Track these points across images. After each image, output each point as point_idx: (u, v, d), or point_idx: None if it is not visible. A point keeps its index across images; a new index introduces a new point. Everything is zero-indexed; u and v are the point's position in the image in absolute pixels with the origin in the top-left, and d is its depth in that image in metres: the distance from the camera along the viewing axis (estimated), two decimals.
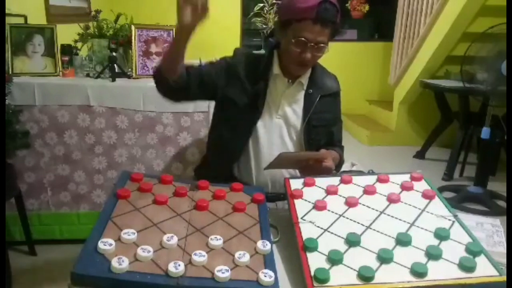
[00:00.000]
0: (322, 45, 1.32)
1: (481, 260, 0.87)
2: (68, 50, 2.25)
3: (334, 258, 0.87)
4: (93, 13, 2.40)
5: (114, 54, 2.19)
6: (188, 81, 1.34)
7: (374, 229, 0.98)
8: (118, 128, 2.18)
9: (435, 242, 0.93)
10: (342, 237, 0.95)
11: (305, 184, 1.15)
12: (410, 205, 1.07)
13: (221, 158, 1.49)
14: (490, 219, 1.16)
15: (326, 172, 1.28)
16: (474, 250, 0.89)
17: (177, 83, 1.31)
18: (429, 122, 4.14)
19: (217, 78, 1.42)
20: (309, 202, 1.08)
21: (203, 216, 1.01)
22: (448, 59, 3.92)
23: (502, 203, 3.00)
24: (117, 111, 2.16)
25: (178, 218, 0.99)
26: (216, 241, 0.90)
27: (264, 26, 2.87)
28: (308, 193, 1.11)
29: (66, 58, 2.23)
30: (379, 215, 1.03)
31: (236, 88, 1.42)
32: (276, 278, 0.83)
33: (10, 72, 2.13)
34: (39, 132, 2.15)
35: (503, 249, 1.02)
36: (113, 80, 2.17)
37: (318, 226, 0.99)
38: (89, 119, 2.16)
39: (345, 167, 1.74)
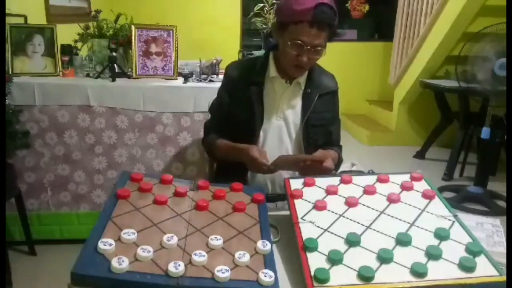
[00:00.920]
0: (319, 48, 1.31)
1: (481, 260, 0.87)
2: (68, 50, 2.25)
3: (334, 258, 0.87)
4: (93, 13, 2.40)
5: (114, 54, 2.19)
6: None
7: (374, 229, 0.98)
8: (118, 128, 2.18)
9: (435, 242, 0.93)
10: (342, 237, 0.95)
11: (305, 184, 1.15)
12: (410, 205, 1.07)
13: (233, 169, 1.49)
14: (490, 219, 1.16)
15: (326, 172, 1.28)
16: (474, 250, 0.89)
17: None
18: (429, 122, 4.14)
19: (227, 106, 1.48)
20: (309, 202, 1.08)
21: (203, 216, 1.01)
22: (448, 59, 3.92)
23: (502, 203, 3.00)
24: (117, 111, 2.16)
25: (178, 218, 0.99)
26: (216, 241, 0.90)
27: (264, 26, 2.87)
28: (308, 193, 1.11)
29: (66, 58, 2.23)
30: (379, 215, 1.03)
31: (236, 102, 1.45)
32: (276, 278, 0.83)
33: (10, 72, 2.13)
34: (39, 132, 2.15)
35: (503, 249, 1.02)
36: (113, 80, 2.17)
37: (318, 226, 0.99)
38: (89, 119, 2.16)
39: (345, 167, 1.74)
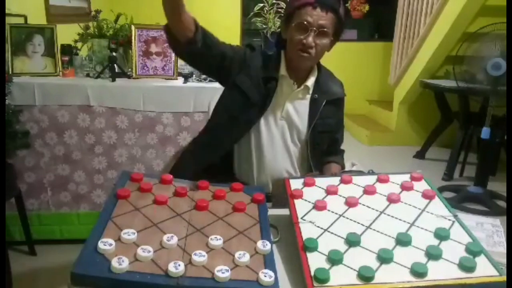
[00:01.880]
0: (324, 29, 1.31)
1: (481, 260, 0.87)
2: (68, 50, 2.25)
3: (334, 258, 0.87)
4: (93, 13, 2.40)
5: (114, 54, 2.20)
6: (204, 53, 1.32)
7: (374, 229, 0.98)
8: (118, 128, 2.18)
9: (435, 242, 0.93)
10: (342, 237, 0.95)
11: (305, 184, 1.15)
12: (410, 205, 1.07)
13: (211, 145, 1.47)
14: (490, 219, 1.16)
15: None
16: (474, 250, 0.89)
17: (189, 50, 1.30)
18: (429, 122, 4.14)
19: (234, 63, 1.41)
20: (309, 202, 1.08)
21: (203, 216, 1.01)
22: (448, 59, 3.92)
23: (502, 203, 3.00)
24: (117, 111, 2.16)
25: (178, 218, 0.99)
26: (216, 241, 0.90)
27: (264, 26, 2.87)
28: (308, 193, 1.11)
29: (66, 58, 2.23)
30: (379, 215, 1.03)
31: (249, 81, 1.40)
32: (276, 278, 0.83)
33: (10, 72, 2.13)
34: (39, 132, 2.15)
35: (503, 249, 1.02)
36: (113, 80, 2.17)
37: (318, 226, 0.99)
38: (89, 119, 2.16)
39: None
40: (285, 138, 1.45)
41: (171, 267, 0.80)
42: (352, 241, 0.93)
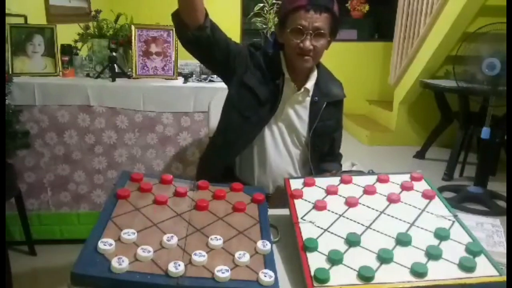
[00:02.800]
0: (320, 31, 1.31)
1: (481, 260, 0.87)
2: (68, 50, 2.25)
3: (334, 258, 0.87)
4: (93, 13, 2.40)
5: (114, 54, 2.19)
6: (211, 41, 1.32)
7: (374, 229, 0.98)
8: (118, 128, 2.18)
9: (435, 242, 0.93)
10: (342, 237, 0.95)
11: (305, 184, 1.15)
12: (410, 205, 1.07)
13: (225, 147, 1.46)
14: (490, 219, 1.16)
15: None
16: (474, 250, 0.89)
17: (197, 36, 1.28)
18: (429, 122, 4.14)
19: (238, 59, 1.40)
20: (309, 202, 1.08)
21: (203, 216, 1.01)
22: (448, 59, 3.92)
23: (502, 203, 3.00)
24: (117, 111, 2.16)
25: (178, 218, 0.99)
26: (216, 241, 0.90)
27: (264, 26, 2.87)
28: (308, 193, 1.11)
29: (66, 58, 2.23)
30: (379, 215, 1.03)
31: (256, 79, 1.40)
32: (276, 278, 0.83)
33: (10, 72, 2.13)
34: (39, 132, 2.15)
35: (503, 249, 1.02)
36: (113, 80, 2.17)
37: (318, 226, 0.99)
38: (89, 119, 2.16)
39: (345, 167, 1.74)
40: (286, 142, 1.45)
41: (171, 267, 0.80)
42: (352, 241, 0.93)
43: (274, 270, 0.85)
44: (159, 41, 2.24)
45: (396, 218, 1.02)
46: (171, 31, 2.26)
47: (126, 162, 2.23)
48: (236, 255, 0.87)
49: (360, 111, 5.17)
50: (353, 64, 5.08)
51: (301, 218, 1.02)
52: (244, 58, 1.41)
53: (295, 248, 0.94)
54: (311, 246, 0.91)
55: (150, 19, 2.56)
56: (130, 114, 2.17)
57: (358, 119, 4.92)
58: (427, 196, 1.09)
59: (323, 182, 1.16)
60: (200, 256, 0.84)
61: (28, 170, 2.19)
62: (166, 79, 2.26)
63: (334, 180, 1.17)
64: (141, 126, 2.19)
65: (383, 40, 5.18)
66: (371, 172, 1.38)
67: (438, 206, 1.07)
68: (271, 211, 1.10)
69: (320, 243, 0.93)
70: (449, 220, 1.01)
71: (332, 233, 0.97)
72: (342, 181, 1.16)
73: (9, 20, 2.22)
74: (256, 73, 1.40)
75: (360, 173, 1.48)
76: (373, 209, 1.06)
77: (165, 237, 0.89)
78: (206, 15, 1.31)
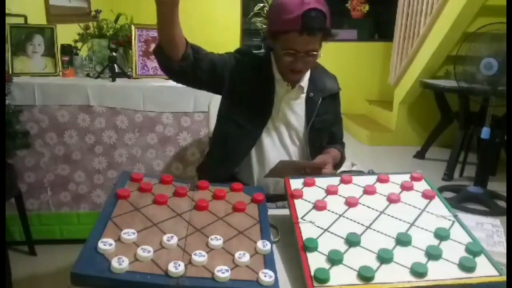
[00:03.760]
0: (313, 53, 1.30)
1: (481, 260, 0.87)
2: (68, 50, 2.25)
3: (334, 258, 0.87)
4: (93, 13, 2.40)
5: (114, 54, 2.20)
6: (196, 66, 1.31)
7: (374, 229, 0.98)
8: (118, 128, 2.18)
9: (435, 242, 0.93)
10: (342, 237, 0.95)
11: (305, 184, 1.15)
12: (410, 205, 1.07)
13: (226, 158, 1.46)
14: (490, 219, 1.16)
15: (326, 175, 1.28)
16: (474, 250, 0.89)
17: (182, 66, 1.28)
18: (429, 122, 4.14)
19: (226, 71, 1.39)
20: (309, 202, 1.08)
21: (203, 216, 1.01)
22: (448, 59, 3.92)
23: (502, 203, 3.00)
24: (117, 111, 2.16)
25: (178, 218, 0.99)
26: (216, 241, 0.90)
27: (264, 26, 2.88)
28: (308, 193, 1.11)
29: (66, 58, 2.23)
30: (379, 215, 1.03)
31: (245, 86, 1.40)
32: (276, 278, 0.83)
33: (10, 72, 2.13)
34: (39, 132, 2.15)
35: (503, 249, 1.02)
36: (113, 80, 2.17)
37: (318, 226, 0.99)
38: (89, 119, 2.16)
39: (345, 167, 1.74)
40: (284, 140, 1.45)
41: (171, 267, 0.80)
42: (352, 241, 0.93)
43: (274, 270, 0.85)
44: None
45: (396, 218, 1.02)
46: None
47: (126, 162, 2.23)
48: (236, 255, 0.87)
49: (360, 111, 5.17)
50: (353, 64, 5.08)
51: (301, 218, 1.02)
52: (230, 66, 1.40)
53: (295, 248, 0.94)
54: (311, 246, 0.91)
55: (150, 19, 2.54)
56: (130, 114, 2.17)
57: (358, 119, 4.92)
58: (427, 196, 1.09)
59: (323, 182, 1.16)
60: (200, 256, 0.84)
61: (28, 170, 2.19)
62: (166, 79, 2.25)
63: (334, 180, 1.17)
64: (141, 126, 2.19)
65: (383, 40, 5.18)
66: (371, 172, 1.38)
67: (438, 206, 1.07)
68: (271, 211, 1.10)
69: (320, 243, 0.93)
70: (449, 220, 1.01)
71: (332, 233, 0.97)
72: (342, 181, 1.16)
73: (9, 20, 2.22)
74: (245, 80, 1.40)
75: (360, 173, 1.48)
76: (373, 209, 1.06)
77: (165, 237, 0.89)
78: (187, 42, 1.30)
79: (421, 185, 1.14)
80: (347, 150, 1.63)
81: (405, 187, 1.13)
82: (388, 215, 1.03)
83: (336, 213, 1.04)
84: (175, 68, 1.29)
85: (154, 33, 2.24)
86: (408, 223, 1.00)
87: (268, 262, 0.88)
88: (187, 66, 1.29)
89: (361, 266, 0.85)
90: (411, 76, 4.23)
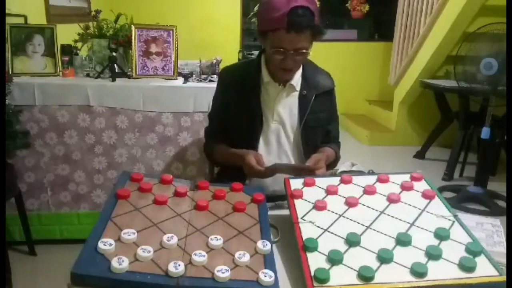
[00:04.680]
0: (302, 51, 1.29)
1: (481, 260, 0.87)
2: (68, 50, 2.25)
3: (334, 258, 0.87)
4: (93, 13, 2.40)
5: (114, 54, 2.19)
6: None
7: (374, 229, 0.98)
8: (118, 128, 2.18)
9: (435, 242, 0.93)
10: (342, 237, 0.95)
11: (305, 184, 1.15)
12: (410, 205, 1.07)
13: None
14: (490, 219, 1.16)
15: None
16: (474, 250, 0.89)
17: None
18: (429, 122, 4.14)
19: (227, 107, 1.47)
20: (309, 202, 1.08)
21: (203, 216, 1.01)
22: (448, 59, 3.92)
23: (502, 203, 3.00)
24: (117, 111, 2.16)
25: (178, 218, 0.99)
26: (216, 241, 0.90)
27: None
28: (308, 193, 1.11)
29: (66, 58, 2.24)
30: (379, 215, 1.03)
31: (234, 109, 1.44)
32: (276, 278, 0.83)
33: (10, 72, 2.13)
34: (39, 132, 2.15)
35: (503, 249, 1.02)
36: (113, 80, 2.17)
37: (318, 226, 0.99)
38: (89, 119, 2.16)
39: (345, 167, 1.74)
40: (281, 140, 1.46)
41: (171, 267, 0.80)
42: (352, 241, 0.93)
43: (274, 270, 0.85)
44: (159, 41, 2.25)
45: (396, 218, 1.02)
46: (171, 31, 2.26)
47: (126, 162, 2.23)
48: (236, 255, 0.87)
49: (360, 111, 5.17)
50: (353, 64, 5.08)
51: (301, 218, 1.02)
52: (226, 98, 1.48)
53: (295, 248, 0.94)
54: (311, 246, 0.91)
55: (150, 19, 2.56)
56: (130, 114, 2.17)
57: (358, 119, 4.92)
58: (427, 196, 1.09)
59: (323, 182, 1.16)
60: (200, 256, 0.84)
61: (28, 170, 2.19)
62: (166, 79, 2.26)
63: (334, 180, 1.17)
64: (141, 126, 2.19)
65: (383, 40, 5.18)
66: (371, 172, 1.38)
67: (438, 206, 1.07)
68: (271, 211, 1.10)
69: (320, 243, 0.93)
70: (449, 220, 1.01)
71: (332, 233, 0.97)
72: (342, 181, 1.16)
73: (9, 20, 2.22)
74: (233, 100, 1.45)
75: (360, 173, 1.48)
76: (373, 209, 1.06)
77: (165, 237, 0.89)
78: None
79: (421, 185, 1.14)
80: (347, 150, 1.63)
81: (405, 187, 1.13)
82: (388, 215, 1.03)
83: (336, 213, 1.04)
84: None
85: (154, 33, 2.24)
86: (408, 223, 1.00)
87: (268, 262, 0.88)
88: None
89: (361, 266, 0.85)
90: (411, 76, 4.23)
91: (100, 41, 2.28)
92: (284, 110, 1.44)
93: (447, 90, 3.60)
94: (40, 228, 2.27)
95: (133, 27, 2.22)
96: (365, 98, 5.24)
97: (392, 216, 1.03)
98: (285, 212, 1.09)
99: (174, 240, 0.88)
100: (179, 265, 0.81)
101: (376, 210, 1.05)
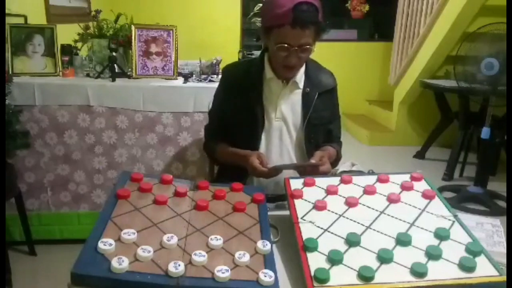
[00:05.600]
0: (306, 47, 1.30)
1: (481, 260, 0.87)
2: (68, 50, 2.25)
3: (334, 258, 0.87)
4: (93, 13, 2.40)
5: (114, 54, 2.19)
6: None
7: (374, 229, 0.98)
8: (118, 128, 2.18)
9: (435, 242, 0.93)
10: (342, 237, 0.95)
11: (305, 184, 1.15)
12: (410, 205, 1.07)
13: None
14: (490, 219, 1.16)
15: (324, 173, 1.28)
16: (474, 250, 0.89)
17: None
18: (429, 122, 4.14)
19: (229, 105, 1.47)
20: (309, 202, 1.08)
21: (203, 216, 1.01)
22: (448, 59, 3.92)
23: (502, 203, 3.00)
24: (117, 111, 2.16)
25: (178, 218, 0.99)
26: (216, 241, 0.90)
27: None
28: (308, 193, 1.11)
29: (66, 58, 2.24)
30: (379, 215, 1.03)
31: (236, 106, 1.44)
32: (276, 278, 0.83)
33: (10, 72, 2.13)
34: (39, 132, 2.15)
35: (503, 249, 1.02)
36: (113, 80, 2.17)
37: (318, 226, 0.99)
38: (89, 119, 2.16)
39: (345, 167, 1.74)
40: (283, 138, 1.45)
41: (171, 267, 0.80)
42: (352, 241, 0.93)
43: (274, 270, 0.85)
44: (159, 41, 2.25)
45: (396, 218, 1.02)
46: (171, 31, 2.26)
47: (126, 162, 2.23)
48: (236, 255, 0.87)
49: (360, 111, 5.17)
50: (353, 64, 5.08)
51: (301, 218, 1.02)
52: (228, 96, 1.48)
53: (295, 248, 0.94)
54: (311, 246, 0.91)
55: (150, 19, 2.56)
56: (130, 114, 2.17)
57: (358, 119, 4.92)
58: (427, 196, 1.09)
59: (323, 182, 1.16)
60: (200, 256, 0.84)
61: (28, 170, 2.19)
62: (166, 79, 2.26)
63: (334, 180, 1.17)
64: (141, 126, 2.19)
65: (383, 40, 5.18)
66: (371, 172, 1.39)
67: (438, 206, 1.07)
68: (271, 211, 1.10)
69: (320, 243, 0.93)
70: (449, 220, 1.01)
71: (332, 233, 0.97)
72: (342, 181, 1.16)
73: (9, 20, 2.22)
74: (235, 99, 1.45)
75: (360, 173, 1.48)
76: (373, 209, 1.06)
77: (165, 237, 0.89)
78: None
79: (421, 185, 1.14)
80: (347, 150, 1.63)
81: (405, 187, 1.13)
82: (388, 215, 1.03)
83: (336, 213, 1.04)
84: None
85: (154, 33, 2.24)
86: (408, 223, 1.00)
87: (268, 262, 0.88)
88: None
89: (361, 266, 0.85)
90: (411, 76, 4.23)
91: (100, 41, 2.28)
92: (287, 107, 1.44)
93: (447, 90, 3.60)
94: (40, 228, 2.27)
95: (133, 27, 2.22)
96: (365, 98, 5.24)
97: (392, 216, 1.03)
98: (285, 212, 1.09)
99: (174, 240, 0.88)
100: (179, 265, 0.81)
101: (376, 210, 1.05)
